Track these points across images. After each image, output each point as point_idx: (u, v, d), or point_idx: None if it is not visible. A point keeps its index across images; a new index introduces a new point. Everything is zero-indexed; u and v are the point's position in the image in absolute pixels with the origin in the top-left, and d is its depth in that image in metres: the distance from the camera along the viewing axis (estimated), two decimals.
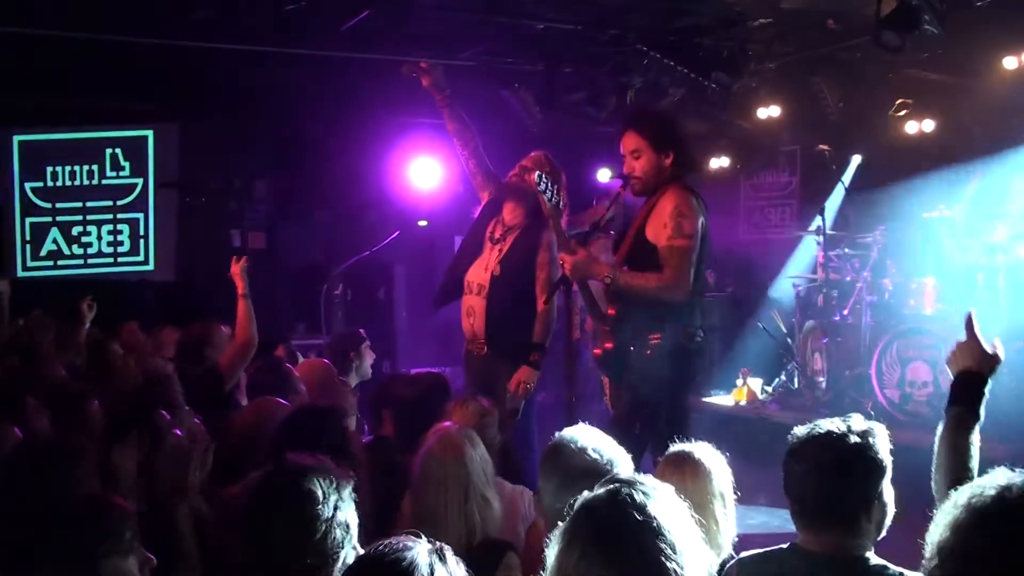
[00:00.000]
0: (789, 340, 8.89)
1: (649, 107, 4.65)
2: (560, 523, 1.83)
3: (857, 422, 2.46)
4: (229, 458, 3.38)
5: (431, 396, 3.68)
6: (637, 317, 4.21)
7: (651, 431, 4.16)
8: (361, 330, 5.68)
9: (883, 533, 2.46)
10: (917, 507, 2.32)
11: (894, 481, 2.46)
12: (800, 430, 2.49)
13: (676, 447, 3.00)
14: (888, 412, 7.27)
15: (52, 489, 2.43)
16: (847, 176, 9.32)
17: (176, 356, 5.45)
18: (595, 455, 2.67)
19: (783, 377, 8.67)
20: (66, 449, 2.80)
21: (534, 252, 5.11)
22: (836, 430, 2.43)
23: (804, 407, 8.07)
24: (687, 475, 2.82)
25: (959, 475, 2.47)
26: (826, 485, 2.39)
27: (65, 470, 2.63)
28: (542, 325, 5.04)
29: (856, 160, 9.39)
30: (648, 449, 4.12)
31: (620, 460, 2.71)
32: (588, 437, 2.74)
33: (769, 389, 8.71)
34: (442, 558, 1.88)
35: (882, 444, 2.44)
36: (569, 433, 2.77)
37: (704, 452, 2.94)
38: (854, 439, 2.42)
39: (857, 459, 2.40)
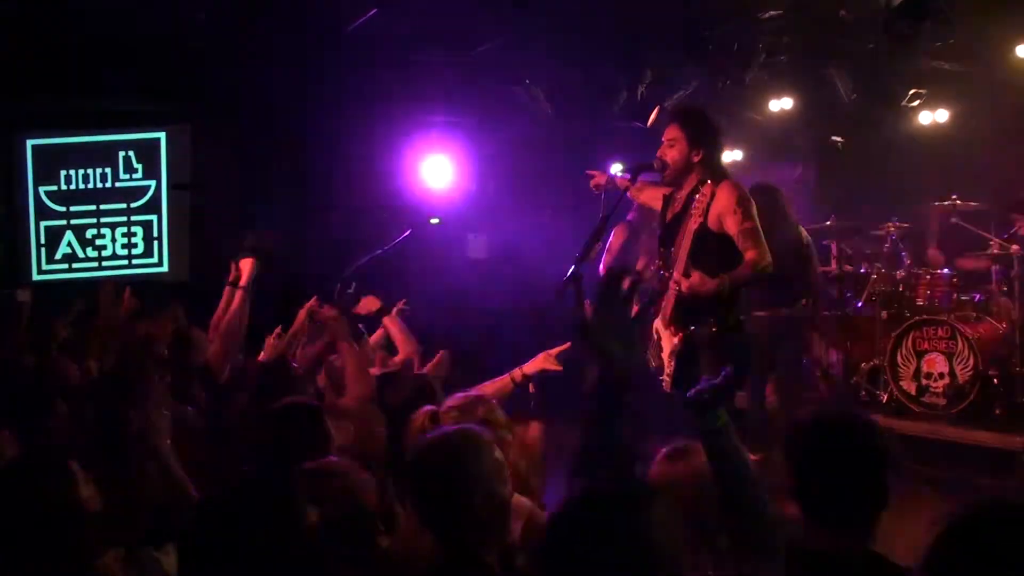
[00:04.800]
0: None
1: (697, 107, 5.29)
2: None
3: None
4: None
5: (415, 400, 3.61)
6: (691, 300, 4.49)
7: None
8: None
9: None
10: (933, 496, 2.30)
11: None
12: (817, 417, 2.39)
13: (676, 442, 2.95)
14: (904, 404, 7.22)
15: (30, 505, 2.38)
16: None
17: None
18: None
19: None
20: (45, 465, 2.71)
21: None
22: (853, 416, 2.36)
23: (819, 401, 8.03)
24: (681, 472, 2.76)
25: None
26: (860, 475, 2.23)
27: (45, 487, 2.54)
28: None
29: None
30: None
31: None
32: None
33: None
34: None
35: None
36: None
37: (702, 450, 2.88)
38: (871, 424, 2.33)
39: (884, 447, 2.28)
